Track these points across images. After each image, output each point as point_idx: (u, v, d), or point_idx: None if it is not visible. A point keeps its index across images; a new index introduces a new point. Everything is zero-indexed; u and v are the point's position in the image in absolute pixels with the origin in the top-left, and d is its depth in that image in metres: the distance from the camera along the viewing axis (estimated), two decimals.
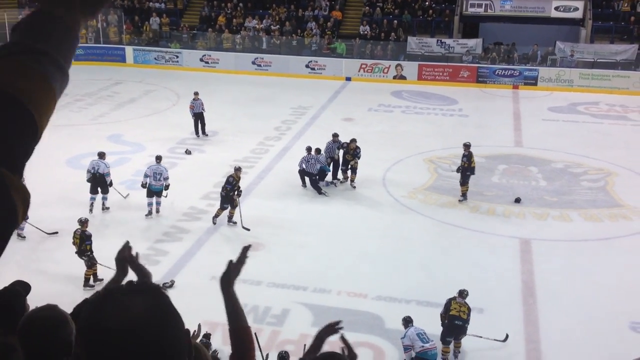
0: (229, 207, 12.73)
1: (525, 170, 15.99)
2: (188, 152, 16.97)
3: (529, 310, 10.13)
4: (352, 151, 15.12)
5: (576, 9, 26.04)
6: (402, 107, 21.98)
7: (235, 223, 12.73)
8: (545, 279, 10.94)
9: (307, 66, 26.31)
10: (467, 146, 14.09)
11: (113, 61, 27.68)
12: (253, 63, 26.74)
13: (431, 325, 9.10)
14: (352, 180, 15.15)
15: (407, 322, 8.78)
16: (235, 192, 12.64)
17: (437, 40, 26.26)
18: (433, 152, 17.31)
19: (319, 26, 27.53)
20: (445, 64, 25.43)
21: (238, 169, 12.92)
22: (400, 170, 16.11)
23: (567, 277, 11.05)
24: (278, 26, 27.75)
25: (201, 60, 27.16)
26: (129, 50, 27.77)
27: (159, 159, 13.83)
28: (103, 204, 13.50)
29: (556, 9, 26.10)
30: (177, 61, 27.35)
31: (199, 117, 18.25)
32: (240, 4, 28.99)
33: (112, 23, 28.65)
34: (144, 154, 16.74)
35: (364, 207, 13.97)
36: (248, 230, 12.41)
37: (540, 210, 13.60)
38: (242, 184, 14.84)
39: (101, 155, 13.52)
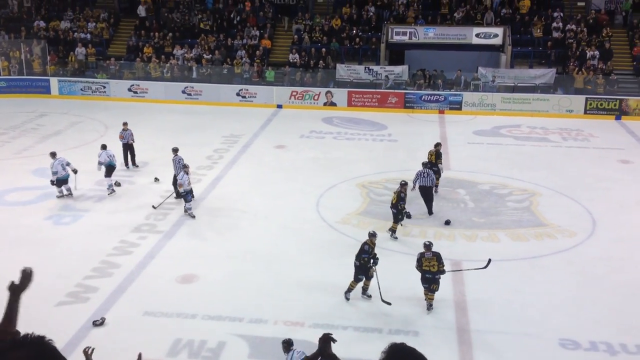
0: (364, 279, 11.14)
1: (454, 193, 16.42)
2: (117, 184, 16.60)
3: (462, 330, 10.34)
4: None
5: (496, 35, 27.18)
6: (333, 133, 22.25)
7: (370, 296, 11.20)
8: (477, 300, 11.21)
9: (238, 94, 26.34)
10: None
11: (37, 93, 26.99)
12: (183, 92, 26.57)
13: (371, 352, 9.15)
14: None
15: (289, 344, 8.45)
16: (372, 261, 11.03)
17: (365, 68, 26.84)
18: (365, 177, 17.57)
19: (248, 55, 27.66)
20: (374, 90, 25.98)
21: (373, 235, 11.18)
22: (333, 195, 16.25)
23: (497, 297, 11.35)
24: (209, 55, 27.68)
25: (129, 90, 26.77)
26: (53, 82, 27.09)
27: (53, 155, 15.43)
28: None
29: (477, 35, 27.18)
30: (105, 91, 26.85)
31: (128, 148, 17.95)
32: (169, 34, 28.82)
33: (36, 54, 27.92)
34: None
35: (298, 233, 13.98)
36: (389, 304, 10.76)
37: (470, 232, 13.98)
38: (176, 215, 14.71)
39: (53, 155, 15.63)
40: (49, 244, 13.18)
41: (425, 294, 10.86)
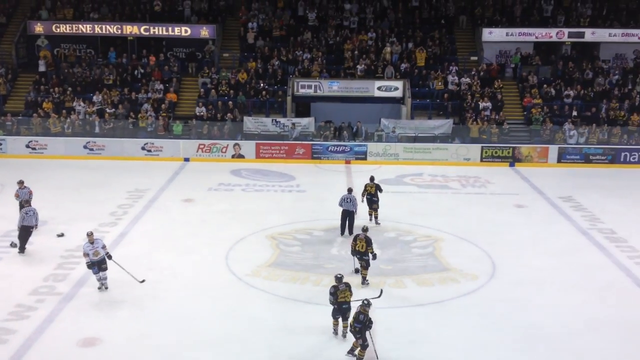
0: (360, 347, 10.74)
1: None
2: (13, 245, 15.80)
3: None
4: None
5: (396, 88, 28.35)
6: (242, 185, 22.23)
7: None
8: (386, 348, 11.30)
9: (143, 148, 25.94)
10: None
11: None
12: (85, 147, 25.87)
13: None
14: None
15: None
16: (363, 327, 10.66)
17: (272, 120, 27.19)
18: (274, 228, 17.60)
19: (154, 108, 27.39)
20: (282, 142, 26.30)
21: (367, 305, 10.66)
22: (243, 248, 16.14)
23: (406, 343, 11.51)
24: (112, 110, 27.19)
25: (27, 146, 25.80)
26: None
27: None
28: None
29: (379, 88, 28.27)
30: (0, 148, 25.72)
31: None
32: (70, 88, 28.15)
33: None
34: None
35: (206, 289, 13.72)
36: None
37: (377, 279, 14.16)
38: (77, 275, 14.10)
39: None
40: None
41: (335, 324, 11.59)
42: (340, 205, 16.96)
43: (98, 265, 13.28)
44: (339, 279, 11.47)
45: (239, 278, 14.28)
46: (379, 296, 11.61)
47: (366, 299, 10.76)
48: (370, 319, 10.67)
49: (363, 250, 13.76)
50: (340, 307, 11.39)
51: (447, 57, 30.47)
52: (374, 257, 13.83)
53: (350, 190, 17.21)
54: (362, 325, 10.58)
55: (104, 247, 13.50)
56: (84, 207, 19.02)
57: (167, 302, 13.00)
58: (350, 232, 16.72)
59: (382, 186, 18.25)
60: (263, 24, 31.52)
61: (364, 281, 13.87)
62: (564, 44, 30.84)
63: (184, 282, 14.04)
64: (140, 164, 24.95)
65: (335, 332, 11.64)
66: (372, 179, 18.18)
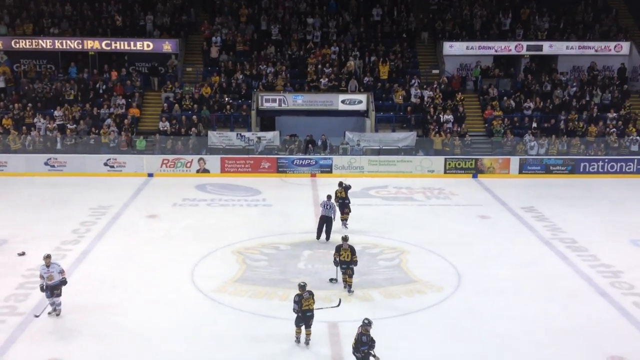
0: None
1: (329, 255, 16.61)
2: None
3: None
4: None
5: (360, 101, 28.60)
6: (207, 200, 22.10)
7: None
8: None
9: (105, 164, 25.65)
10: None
11: None
12: (46, 164, 25.47)
13: None
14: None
15: None
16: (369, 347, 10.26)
17: (237, 134, 27.14)
18: (240, 243, 17.52)
19: (116, 124, 27.08)
20: (247, 156, 26.26)
21: (369, 324, 10.28)
22: (209, 264, 16.03)
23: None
24: (74, 125, 26.80)
25: None
26: None
27: None
28: None
29: (343, 102, 28.51)
30: None
31: None
32: (30, 104, 27.67)
33: None
34: None
35: (172, 306, 13.55)
36: None
37: (345, 292, 14.20)
38: (37, 295, 13.77)
39: None
40: None
41: (298, 333, 11.79)
42: (322, 207, 17.50)
43: (51, 290, 12.69)
44: (302, 287, 11.68)
45: (205, 294, 14.15)
46: (338, 305, 11.72)
47: (366, 318, 10.38)
48: (372, 338, 10.25)
49: (349, 260, 14.04)
50: (304, 315, 11.60)
51: (409, 70, 30.83)
52: (355, 263, 14.15)
53: (329, 197, 17.59)
54: (367, 346, 10.19)
55: (61, 272, 12.83)
56: (45, 225, 18.67)
57: (132, 320, 12.81)
58: (327, 238, 17.29)
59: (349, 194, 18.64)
60: (226, 38, 31.50)
61: (350, 290, 14.09)
62: (523, 57, 31.51)
63: (149, 300, 13.85)
64: (103, 180, 24.62)
65: (298, 340, 11.81)
66: (340, 184, 18.84)
